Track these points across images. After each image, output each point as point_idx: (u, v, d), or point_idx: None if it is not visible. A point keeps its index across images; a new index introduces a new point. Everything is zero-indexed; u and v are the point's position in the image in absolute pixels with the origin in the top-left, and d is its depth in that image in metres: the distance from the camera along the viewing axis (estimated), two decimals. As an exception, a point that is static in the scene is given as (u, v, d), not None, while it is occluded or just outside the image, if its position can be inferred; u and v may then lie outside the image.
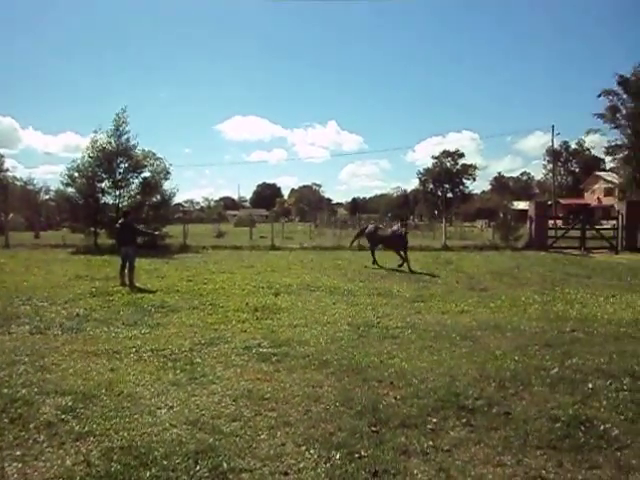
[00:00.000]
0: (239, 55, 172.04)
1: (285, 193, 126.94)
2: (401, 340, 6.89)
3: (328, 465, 3.46)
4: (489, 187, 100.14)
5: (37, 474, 3.32)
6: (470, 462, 3.52)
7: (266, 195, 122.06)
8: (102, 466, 3.40)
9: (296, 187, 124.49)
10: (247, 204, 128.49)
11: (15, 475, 3.30)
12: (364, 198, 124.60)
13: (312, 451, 3.66)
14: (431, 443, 3.78)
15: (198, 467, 3.39)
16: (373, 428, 4.04)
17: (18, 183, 45.24)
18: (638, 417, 4.26)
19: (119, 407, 4.46)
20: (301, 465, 3.47)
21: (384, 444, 3.76)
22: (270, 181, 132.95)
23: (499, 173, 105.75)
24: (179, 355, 6.19)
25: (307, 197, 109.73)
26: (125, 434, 3.90)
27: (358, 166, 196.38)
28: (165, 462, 3.45)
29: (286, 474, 3.36)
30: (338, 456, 3.57)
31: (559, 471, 3.41)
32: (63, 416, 4.23)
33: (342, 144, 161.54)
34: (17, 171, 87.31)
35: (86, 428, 4.00)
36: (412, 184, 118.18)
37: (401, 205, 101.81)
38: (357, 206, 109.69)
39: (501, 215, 30.06)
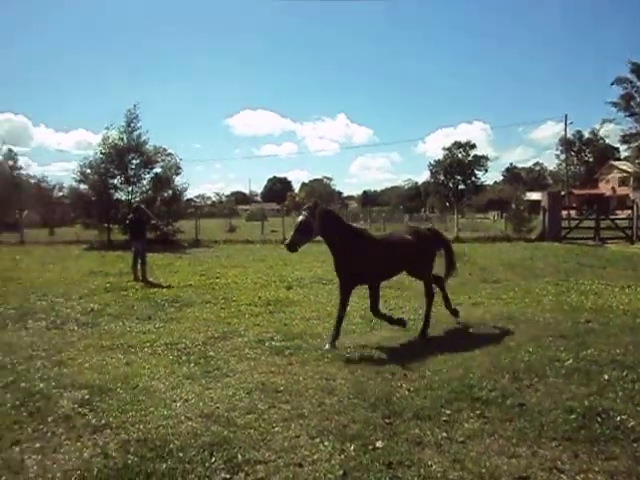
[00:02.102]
0: (247, 49, 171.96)
1: (296, 187, 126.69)
2: (414, 332, 6.87)
3: (342, 456, 3.47)
4: (501, 178, 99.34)
5: (56, 466, 3.37)
6: (485, 453, 3.51)
7: (277, 189, 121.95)
8: (119, 458, 3.45)
9: (307, 181, 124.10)
10: (258, 198, 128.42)
11: (34, 467, 3.35)
12: (375, 191, 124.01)
13: (326, 443, 3.67)
14: (445, 435, 3.78)
15: (213, 459, 3.43)
16: (387, 420, 4.05)
17: (32, 180, 45.73)
18: (655, 408, 4.21)
19: (135, 400, 4.51)
20: (315, 457, 3.49)
21: (398, 436, 3.77)
22: (281, 175, 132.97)
23: (511, 164, 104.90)
24: (193, 349, 6.23)
25: (318, 191, 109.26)
26: (141, 427, 3.95)
27: (368, 159, 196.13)
28: (181, 454, 3.49)
29: (300, 466, 3.38)
30: (352, 448, 3.58)
31: (575, 462, 3.39)
32: (80, 409, 4.29)
33: (352, 137, 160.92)
34: (30, 169, 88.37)
35: (103, 421, 4.06)
36: (423, 176, 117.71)
37: (412, 197, 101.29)
38: (368, 199, 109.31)
39: (513, 206, 29.72)
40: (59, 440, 3.75)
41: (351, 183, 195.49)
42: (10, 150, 42.13)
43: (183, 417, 4.13)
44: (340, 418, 4.11)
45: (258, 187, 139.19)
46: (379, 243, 6.87)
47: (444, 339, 6.49)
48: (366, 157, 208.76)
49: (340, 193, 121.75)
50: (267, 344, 6.35)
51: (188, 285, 11.13)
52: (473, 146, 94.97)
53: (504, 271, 13.19)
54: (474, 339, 6.48)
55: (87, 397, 4.55)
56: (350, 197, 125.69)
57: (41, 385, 4.83)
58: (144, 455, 3.47)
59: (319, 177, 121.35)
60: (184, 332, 7.10)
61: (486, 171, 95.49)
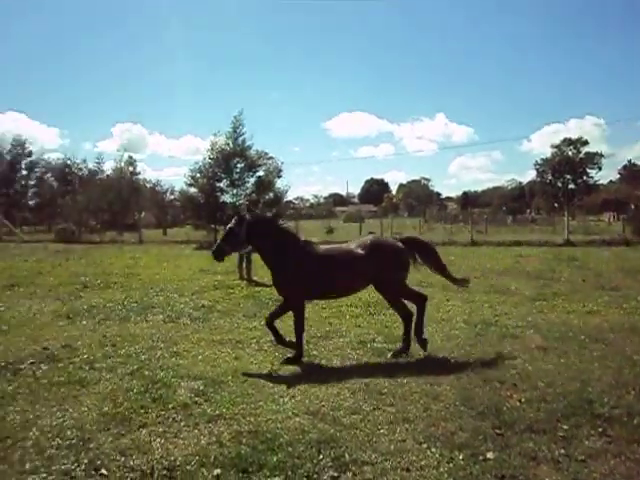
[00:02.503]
0: (344, 51, 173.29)
1: (393, 188, 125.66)
2: (522, 340, 6.53)
3: (451, 465, 3.39)
4: (617, 177, 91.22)
5: (177, 450, 3.62)
6: (609, 475, 3.25)
7: (374, 191, 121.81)
8: (233, 448, 3.63)
9: (404, 182, 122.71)
10: (355, 200, 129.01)
11: (159, 450, 3.63)
12: (475, 191, 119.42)
13: (433, 449, 3.60)
14: (563, 451, 3.55)
15: (321, 456, 3.49)
16: (497, 431, 3.88)
17: (148, 185, 49.76)
18: None
19: (245, 393, 4.72)
20: (423, 463, 3.43)
21: (510, 448, 3.60)
22: (378, 176, 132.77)
23: (629, 161, 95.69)
24: (297, 346, 6.39)
25: (415, 192, 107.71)
26: (252, 419, 4.13)
27: (468, 158, 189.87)
28: (290, 449, 3.59)
29: (408, 470, 3.35)
30: (461, 457, 3.48)
31: None
32: (196, 399, 4.58)
33: (451, 136, 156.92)
34: (146, 174, 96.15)
35: (217, 411, 4.29)
36: (528, 175, 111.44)
37: (516, 198, 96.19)
38: (468, 200, 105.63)
39: (633, 206, 27.19)
40: (179, 426, 4.03)
41: (450, 184, 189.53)
42: (130, 157, 46.06)
43: (291, 413, 4.26)
44: (447, 425, 4.01)
45: (355, 189, 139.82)
46: (314, 257, 6.05)
47: (556, 349, 6.09)
48: (466, 157, 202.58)
49: (438, 194, 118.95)
50: (369, 345, 6.37)
51: (290, 285, 11.44)
52: (585, 142, 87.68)
53: (623, 278, 12.12)
54: (590, 350, 6.02)
55: (202, 388, 4.84)
56: (449, 198, 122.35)
57: (161, 374, 5.22)
58: (256, 447, 3.63)
59: (417, 178, 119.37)
60: (288, 330, 7.30)
61: (600, 169, 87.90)
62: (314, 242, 6.53)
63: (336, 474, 3.30)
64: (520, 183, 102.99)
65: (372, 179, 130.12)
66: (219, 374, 5.27)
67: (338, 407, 4.39)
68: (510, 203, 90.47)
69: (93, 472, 3.31)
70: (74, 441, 3.74)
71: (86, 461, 3.45)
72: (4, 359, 5.64)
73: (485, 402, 4.42)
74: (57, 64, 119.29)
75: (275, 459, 3.45)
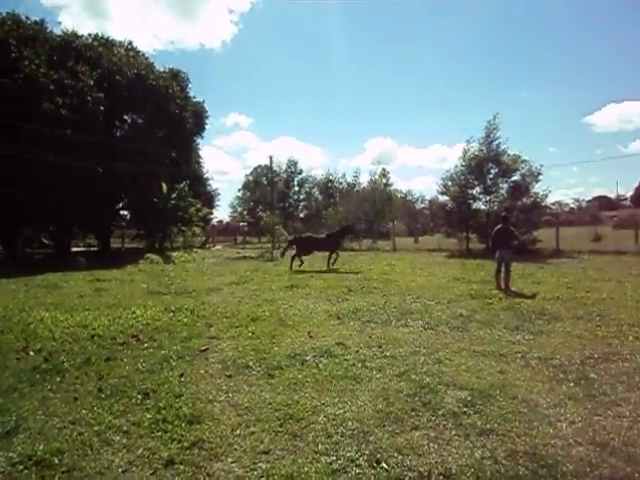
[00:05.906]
0: (608, 26, 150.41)
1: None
2: None
3: None
4: None
5: (451, 458, 3.64)
6: None
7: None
8: (509, 467, 3.48)
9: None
10: (627, 203, 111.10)
11: (433, 455, 3.71)
12: None
13: None
14: None
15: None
16: None
17: (399, 195, 51.95)
18: None
19: (516, 411, 4.49)
20: None
21: None
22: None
23: None
24: (569, 367, 5.83)
25: None
26: (527, 440, 3.89)
27: None
28: (576, 480, 3.27)
29: None
30: None
31: None
32: (465, 409, 4.54)
33: None
34: (397, 184, 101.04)
35: (488, 425, 4.18)
36: None
37: None
38: None
39: None
40: (450, 434, 4.05)
41: None
42: (383, 169, 48.91)
43: (572, 440, 3.88)
44: None
45: (627, 190, 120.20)
46: None
47: None
48: None
49: None
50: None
51: (554, 298, 10.48)
52: None
53: None
54: None
55: (469, 398, 4.77)
56: None
57: (427, 379, 5.34)
58: (535, 471, 3.41)
59: None
60: (557, 347, 6.71)
61: None
62: None
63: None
64: None
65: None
66: (485, 387, 5.12)
67: (632, 443, 3.82)
68: None
69: (375, 464, 3.57)
70: (355, 432, 4.09)
71: (367, 452, 3.73)
72: (292, 350, 6.55)
73: None
74: (315, 90, 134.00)
75: (559, 488, 3.18)
